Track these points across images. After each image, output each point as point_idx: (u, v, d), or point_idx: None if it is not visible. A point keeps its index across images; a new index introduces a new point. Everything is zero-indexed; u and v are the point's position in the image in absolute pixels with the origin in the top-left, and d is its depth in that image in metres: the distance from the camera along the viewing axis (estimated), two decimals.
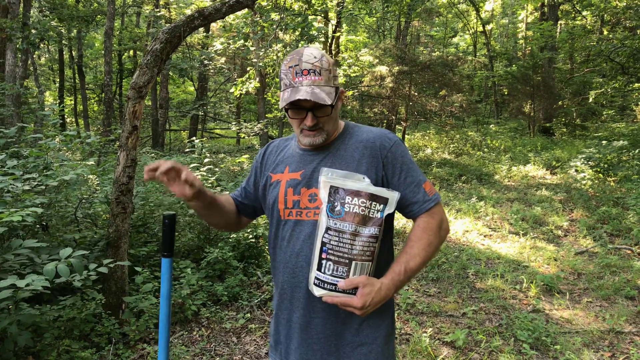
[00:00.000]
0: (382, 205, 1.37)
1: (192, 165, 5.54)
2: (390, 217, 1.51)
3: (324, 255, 1.37)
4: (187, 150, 6.38)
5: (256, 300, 4.18)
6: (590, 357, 3.36)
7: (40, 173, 3.65)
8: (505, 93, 19.56)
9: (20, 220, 2.60)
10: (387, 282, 1.39)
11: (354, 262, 1.35)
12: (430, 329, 3.75)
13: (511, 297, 4.44)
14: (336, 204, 1.36)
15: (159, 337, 1.68)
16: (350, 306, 1.34)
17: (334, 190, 1.38)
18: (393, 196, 1.38)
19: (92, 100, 21.68)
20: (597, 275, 4.95)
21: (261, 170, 1.69)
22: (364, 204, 1.35)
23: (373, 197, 1.36)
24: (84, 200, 4.31)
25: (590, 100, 15.42)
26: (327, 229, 1.36)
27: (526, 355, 3.39)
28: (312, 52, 1.45)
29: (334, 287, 1.36)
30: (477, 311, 4.15)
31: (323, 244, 1.37)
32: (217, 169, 5.77)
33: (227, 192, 1.77)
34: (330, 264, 1.36)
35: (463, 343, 3.51)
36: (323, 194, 1.39)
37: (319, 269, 1.37)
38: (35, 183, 3.32)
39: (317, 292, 1.38)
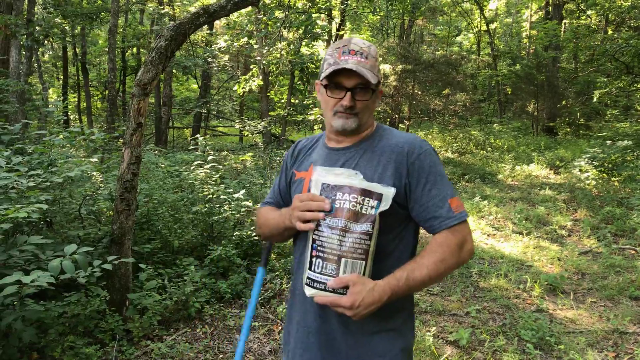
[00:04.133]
0: (375, 202, 1.32)
1: (195, 163, 5.55)
2: (415, 228, 1.48)
3: (314, 253, 1.33)
4: (191, 147, 6.39)
5: (259, 298, 4.18)
6: (595, 357, 3.35)
7: (44, 170, 3.65)
8: (509, 92, 19.51)
9: (26, 217, 2.61)
10: (382, 285, 1.30)
11: (343, 260, 1.30)
12: (434, 328, 3.74)
13: (515, 297, 4.43)
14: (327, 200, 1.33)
15: (241, 330, 1.66)
16: (339, 306, 1.28)
17: (325, 187, 1.35)
18: (388, 192, 1.32)
19: (96, 98, 21.72)
20: (601, 275, 4.94)
21: (290, 167, 1.65)
22: (355, 199, 1.31)
23: (365, 193, 1.31)
24: (88, 197, 4.31)
25: (595, 99, 15.36)
26: (317, 225, 1.33)
27: (530, 354, 3.38)
28: (362, 40, 1.43)
29: (323, 286, 1.31)
30: (481, 310, 4.14)
31: (313, 240, 1.33)
32: (220, 167, 5.77)
33: (262, 205, 1.74)
34: (319, 262, 1.32)
35: (467, 342, 3.51)
36: (315, 192, 1.36)
37: (309, 268, 1.34)
38: (40, 180, 3.32)
39: (308, 291, 1.34)
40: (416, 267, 1.34)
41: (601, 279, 4.83)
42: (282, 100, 18.33)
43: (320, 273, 1.31)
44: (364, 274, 1.32)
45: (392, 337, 1.44)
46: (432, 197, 1.38)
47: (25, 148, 4.27)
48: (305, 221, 1.33)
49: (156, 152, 9.26)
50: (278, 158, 10.02)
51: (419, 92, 13.95)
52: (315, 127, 19.24)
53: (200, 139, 5.81)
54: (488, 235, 6.39)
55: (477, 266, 5.15)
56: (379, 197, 1.32)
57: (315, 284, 1.32)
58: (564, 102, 15.87)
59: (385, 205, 1.32)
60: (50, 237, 3.52)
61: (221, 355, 3.37)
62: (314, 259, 1.33)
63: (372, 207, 1.32)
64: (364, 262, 1.31)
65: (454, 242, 1.36)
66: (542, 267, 5.20)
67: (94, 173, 5.31)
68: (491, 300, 4.36)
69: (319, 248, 1.32)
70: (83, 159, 4.36)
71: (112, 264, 2.99)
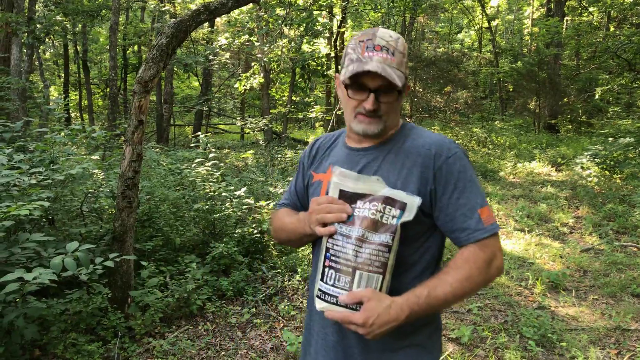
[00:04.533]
0: (398, 211, 1.21)
1: (197, 160, 5.54)
2: (441, 238, 1.37)
3: (327, 263, 1.23)
4: (192, 145, 6.39)
5: (261, 295, 4.18)
6: (597, 354, 3.35)
7: (46, 167, 3.65)
8: (511, 89, 19.47)
9: (28, 214, 2.61)
10: (400, 302, 1.19)
11: (357, 272, 1.19)
12: None
13: (517, 294, 4.43)
14: None
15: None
16: (351, 323, 1.18)
17: (344, 193, 1.25)
18: (413, 201, 1.21)
19: (97, 95, 21.71)
20: (603, 272, 4.93)
21: (307, 167, 1.53)
22: (376, 207, 1.20)
23: (387, 201, 1.21)
24: (89, 195, 4.31)
25: (596, 97, 15.34)
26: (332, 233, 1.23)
27: (532, 352, 3.38)
28: (389, 32, 1.29)
29: (335, 299, 1.21)
30: (483, 308, 4.14)
31: (327, 249, 1.24)
32: (222, 164, 5.77)
33: (279, 208, 1.64)
34: (332, 272, 1.22)
35: (468, 339, 3.50)
36: (333, 195, 1.27)
37: (321, 279, 1.24)
38: (42, 177, 3.32)
39: (319, 304, 1.24)
40: (439, 284, 1.22)
41: (603, 276, 4.83)
42: (284, 98, 18.32)
43: (332, 285, 1.22)
44: (380, 289, 1.21)
45: (418, 354, 1.34)
46: (460, 206, 1.26)
47: (27, 146, 4.27)
48: (325, 224, 1.24)
49: (157, 149, 9.26)
50: (279, 156, 10.02)
51: (421, 90, 13.94)
52: (317, 124, 19.23)
53: (202, 136, 5.81)
54: None
55: None
56: (402, 207, 1.21)
57: (327, 296, 1.23)
58: (565, 99, 15.85)
59: (408, 215, 1.21)
60: (52, 234, 3.52)
61: (223, 353, 3.37)
62: (326, 270, 1.23)
63: (393, 217, 1.21)
64: (380, 277, 1.20)
65: (481, 258, 1.23)
66: (543, 264, 5.19)
67: (95, 171, 5.31)
68: (493, 297, 4.36)
69: (332, 258, 1.22)
70: (84, 157, 4.35)
71: (113, 261, 2.99)
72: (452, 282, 1.21)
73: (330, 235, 1.23)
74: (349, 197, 1.24)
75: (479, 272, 1.23)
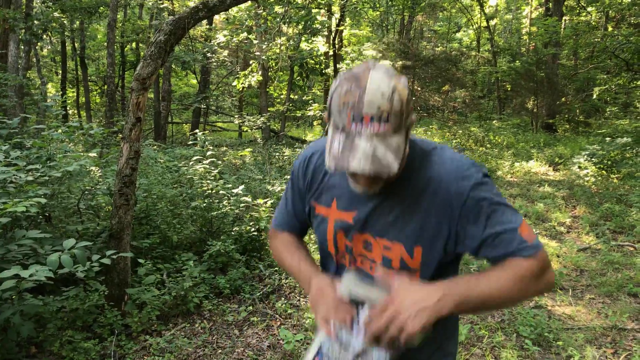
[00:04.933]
0: None
1: (194, 158, 5.53)
2: (455, 262, 1.29)
3: (316, 359, 1.16)
4: (190, 142, 6.38)
5: (258, 293, 4.18)
6: (593, 353, 3.36)
7: (43, 164, 3.64)
8: (509, 89, 19.50)
9: (24, 211, 2.60)
10: (445, 286, 1.09)
11: None
12: None
13: None
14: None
15: None
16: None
17: (353, 299, 1.17)
18: None
19: (95, 92, 21.65)
20: (600, 272, 4.95)
21: (304, 190, 1.36)
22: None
23: None
24: (86, 192, 4.30)
25: (594, 96, 15.35)
26: (327, 340, 1.16)
27: (528, 350, 3.38)
28: (380, 86, 1.01)
29: None
30: None
31: (321, 344, 1.16)
32: (219, 162, 5.76)
33: (276, 229, 1.51)
34: None
35: (465, 338, 3.51)
36: (343, 295, 1.19)
37: None
38: (39, 174, 3.31)
39: None
40: (482, 279, 1.10)
41: (600, 275, 4.84)
42: (282, 96, 18.31)
43: None
44: None
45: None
46: (500, 233, 1.12)
47: (24, 142, 4.26)
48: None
49: (155, 147, 9.25)
50: (277, 154, 10.01)
51: (419, 89, 13.96)
52: (315, 122, 19.21)
53: (200, 134, 5.80)
54: None
55: (476, 262, 5.15)
56: None
57: None
58: (563, 99, 15.87)
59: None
60: (48, 231, 3.52)
61: (220, 350, 3.37)
62: None
63: None
64: None
65: (533, 269, 1.11)
66: None
67: (93, 168, 5.30)
68: None
69: (324, 358, 1.16)
70: (82, 154, 4.34)
71: (110, 258, 2.99)
72: (496, 281, 1.09)
73: (324, 343, 1.16)
74: (356, 302, 1.16)
75: (529, 281, 1.11)
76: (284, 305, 3.99)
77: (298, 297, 4.21)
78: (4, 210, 2.57)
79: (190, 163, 5.57)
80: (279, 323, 3.77)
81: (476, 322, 3.85)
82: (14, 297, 2.72)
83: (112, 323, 3.41)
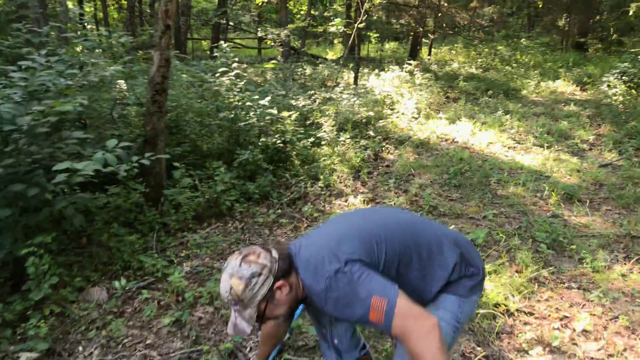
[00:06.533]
0: None
1: (220, 70, 5.56)
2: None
3: None
4: (215, 54, 6.36)
5: (285, 199, 4.39)
6: (605, 257, 3.52)
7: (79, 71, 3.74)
8: (540, 6, 18.49)
9: (72, 110, 2.74)
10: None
11: None
12: (453, 227, 3.93)
13: (532, 204, 4.57)
14: None
15: None
16: None
17: None
18: None
19: (112, 8, 21.18)
20: (619, 186, 5.02)
21: None
22: None
23: None
24: (118, 101, 4.42)
25: (630, 13, 14.52)
26: None
27: (543, 253, 3.57)
28: (223, 286, 1.56)
29: None
30: (498, 215, 4.31)
31: None
32: (245, 74, 5.79)
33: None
34: None
35: (483, 241, 3.70)
36: None
37: None
38: (77, 78, 3.42)
39: None
40: None
41: (618, 189, 4.92)
42: (302, 12, 17.73)
43: None
44: None
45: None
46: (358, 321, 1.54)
47: (57, 51, 4.33)
48: None
49: (177, 63, 9.21)
50: (299, 70, 9.93)
51: (445, 4, 13.35)
52: (336, 40, 18.72)
53: (224, 44, 5.78)
54: (509, 148, 6.44)
55: (496, 175, 5.26)
56: None
57: None
58: (597, 16, 15.07)
59: None
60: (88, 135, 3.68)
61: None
62: None
63: None
64: None
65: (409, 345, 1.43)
66: (560, 177, 5.28)
67: (120, 81, 5.38)
68: (508, 206, 4.51)
69: None
70: (112, 61, 4.41)
71: (149, 159, 3.16)
72: None
73: None
74: None
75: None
76: (310, 209, 4.20)
77: (323, 203, 4.42)
78: (53, 108, 2.71)
79: (217, 75, 5.61)
80: (305, 225, 4.00)
81: (494, 228, 4.02)
82: (66, 190, 2.93)
83: (151, 221, 3.66)
